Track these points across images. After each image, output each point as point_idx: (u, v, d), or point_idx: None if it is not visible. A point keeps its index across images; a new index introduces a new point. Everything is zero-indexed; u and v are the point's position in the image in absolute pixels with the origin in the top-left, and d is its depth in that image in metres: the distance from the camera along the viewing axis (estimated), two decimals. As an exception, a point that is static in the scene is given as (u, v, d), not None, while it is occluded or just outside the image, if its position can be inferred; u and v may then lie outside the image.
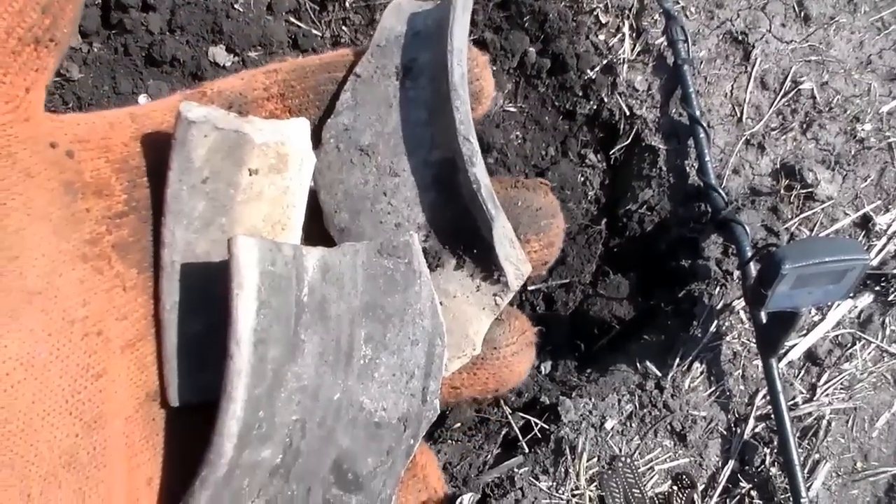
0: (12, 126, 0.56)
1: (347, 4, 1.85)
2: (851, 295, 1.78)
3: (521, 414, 1.79)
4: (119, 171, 0.65)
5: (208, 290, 0.65)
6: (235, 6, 1.78)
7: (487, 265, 0.68)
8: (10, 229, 0.55)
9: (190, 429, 0.68)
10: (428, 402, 0.66)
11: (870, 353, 1.77)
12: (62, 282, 0.57)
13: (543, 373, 1.88)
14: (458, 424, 1.79)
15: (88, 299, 0.59)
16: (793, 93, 1.91)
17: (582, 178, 1.96)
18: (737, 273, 1.78)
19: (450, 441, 1.77)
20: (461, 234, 0.69)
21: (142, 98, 1.73)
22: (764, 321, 1.62)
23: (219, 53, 1.77)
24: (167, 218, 0.65)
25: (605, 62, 1.92)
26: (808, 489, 1.61)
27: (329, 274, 0.65)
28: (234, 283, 0.59)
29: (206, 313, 0.65)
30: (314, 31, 1.86)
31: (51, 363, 0.55)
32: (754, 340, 1.73)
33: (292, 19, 1.84)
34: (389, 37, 0.72)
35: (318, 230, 0.72)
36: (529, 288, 1.92)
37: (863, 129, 1.89)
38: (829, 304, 1.75)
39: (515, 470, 1.71)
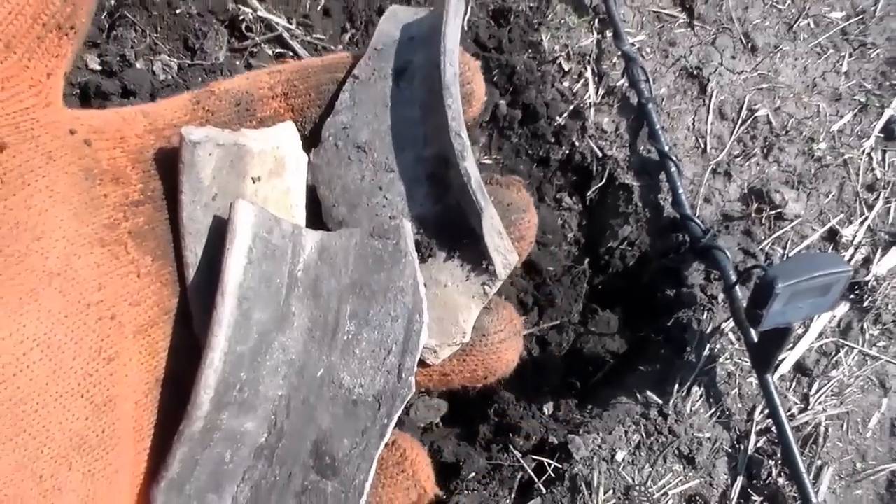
0: (35, 110, 0.57)
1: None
2: (835, 306, 1.88)
3: (532, 456, 1.83)
4: (135, 161, 0.66)
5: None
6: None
7: (476, 255, 0.70)
8: (35, 210, 0.56)
9: None
10: (403, 378, 0.66)
11: (854, 358, 1.86)
12: (80, 264, 0.58)
13: (547, 414, 1.93)
14: (473, 474, 1.82)
15: (104, 283, 0.60)
16: (750, 120, 2.02)
17: (560, 221, 2.03)
18: (721, 297, 1.86)
19: (466, 492, 1.80)
20: (452, 227, 0.71)
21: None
22: (755, 340, 1.69)
23: (202, 135, 1.80)
24: (187, 240, 0.66)
25: (572, 107, 2.00)
26: (815, 494, 1.68)
27: (325, 254, 0.67)
28: (227, 240, 0.62)
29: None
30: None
31: (66, 345, 0.55)
32: (746, 359, 1.81)
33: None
34: (386, 41, 0.75)
35: (317, 225, 0.74)
36: (522, 333, 1.96)
37: (819, 149, 2.00)
38: (816, 316, 1.84)
39: (535, 511, 1.76)
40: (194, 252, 0.66)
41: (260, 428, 0.65)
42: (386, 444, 0.69)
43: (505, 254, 0.70)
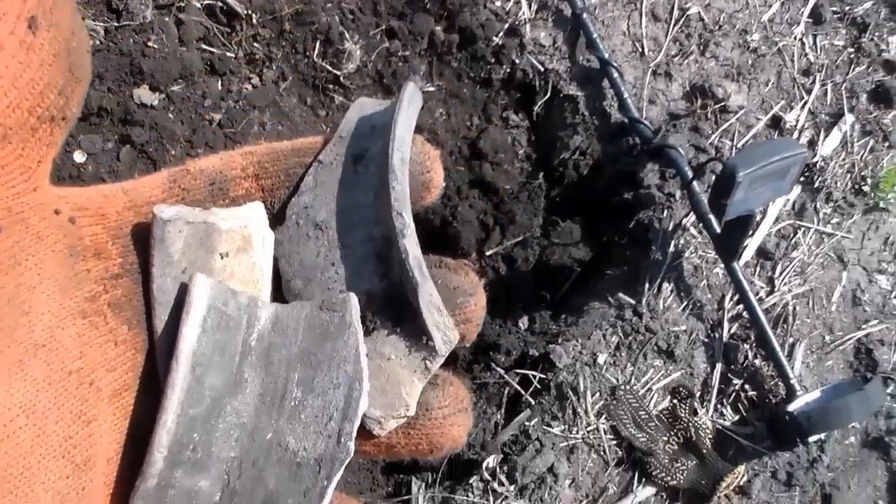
0: (25, 195, 0.61)
1: (255, 21, 1.87)
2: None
3: (515, 371, 1.86)
4: (115, 236, 0.70)
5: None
6: (149, 44, 1.77)
7: (417, 331, 0.72)
8: (24, 287, 0.59)
9: None
10: (342, 443, 0.70)
11: (811, 237, 1.92)
12: (63, 335, 0.62)
13: (523, 328, 1.95)
14: (459, 396, 1.84)
15: (84, 352, 0.64)
16: (683, 19, 2.04)
17: (510, 139, 2.04)
18: (679, 194, 1.90)
19: (455, 414, 1.82)
20: (396, 302, 0.74)
21: (77, 155, 1.70)
22: (719, 231, 1.73)
23: (143, 94, 1.76)
24: (157, 310, 0.71)
25: (507, 26, 2.00)
26: (791, 370, 1.74)
27: (278, 325, 0.72)
28: (183, 310, 0.67)
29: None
30: (227, 54, 1.86)
31: (49, 410, 0.59)
32: (710, 251, 1.86)
33: (204, 46, 1.85)
34: (350, 129, 0.80)
35: (282, 297, 0.80)
36: (487, 253, 1.99)
37: (752, 40, 2.04)
38: (773, 200, 1.89)
39: (527, 423, 1.78)
40: (162, 321, 0.71)
41: (214, 487, 0.69)
42: None
43: (444, 330, 0.72)
